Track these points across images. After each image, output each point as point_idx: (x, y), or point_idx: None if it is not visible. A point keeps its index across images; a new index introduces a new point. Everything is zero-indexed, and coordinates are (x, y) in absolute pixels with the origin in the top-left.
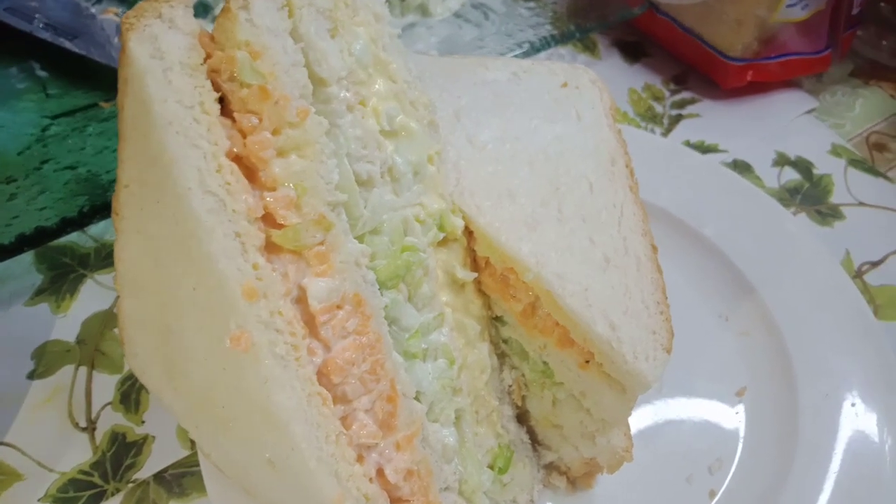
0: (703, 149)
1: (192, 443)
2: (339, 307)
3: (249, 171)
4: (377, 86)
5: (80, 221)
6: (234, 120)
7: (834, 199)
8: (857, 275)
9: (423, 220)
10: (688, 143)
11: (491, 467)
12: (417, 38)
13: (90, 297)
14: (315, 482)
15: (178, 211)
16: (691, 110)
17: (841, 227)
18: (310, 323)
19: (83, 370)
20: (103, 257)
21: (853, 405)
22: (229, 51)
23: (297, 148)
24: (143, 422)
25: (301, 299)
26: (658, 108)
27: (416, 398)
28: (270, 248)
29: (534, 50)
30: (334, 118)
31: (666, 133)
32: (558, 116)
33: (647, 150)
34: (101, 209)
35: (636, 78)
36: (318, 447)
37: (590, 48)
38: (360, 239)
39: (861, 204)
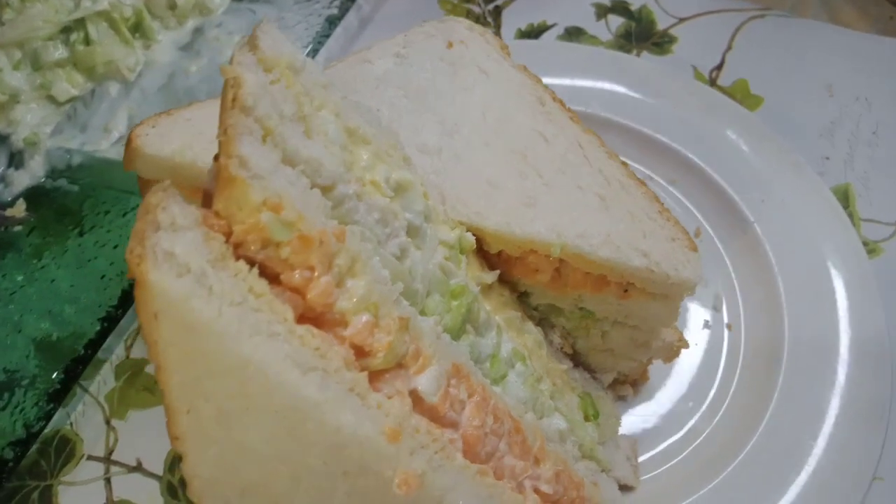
0: (536, 31)
1: None
2: (448, 387)
3: (317, 319)
4: (362, 160)
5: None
6: (279, 283)
7: (660, 25)
8: (712, 82)
9: (450, 256)
10: (521, 32)
11: (586, 419)
12: (216, 44)
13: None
14: None
15: (282, 405)
16: None
17: (678, 48)
18: (434, 416)
19: None
20: (56, 454)
21: (783, 200)
22: (248, 219)
23: (349, 271)
24: None
25: (417, 401)
26: (476, 9)
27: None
28: (374, 377)
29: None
30: (353, 216)
31: (498, 31)
32: (468, 81)
33: None
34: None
35: None
36: None
37: None
38: (423, 313)
39: (681, 20)
